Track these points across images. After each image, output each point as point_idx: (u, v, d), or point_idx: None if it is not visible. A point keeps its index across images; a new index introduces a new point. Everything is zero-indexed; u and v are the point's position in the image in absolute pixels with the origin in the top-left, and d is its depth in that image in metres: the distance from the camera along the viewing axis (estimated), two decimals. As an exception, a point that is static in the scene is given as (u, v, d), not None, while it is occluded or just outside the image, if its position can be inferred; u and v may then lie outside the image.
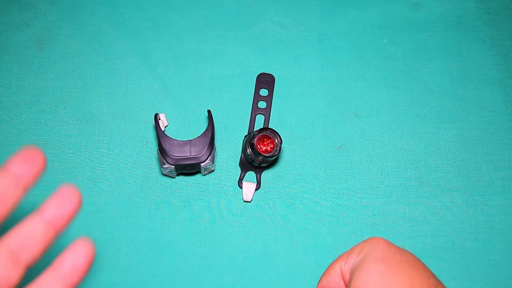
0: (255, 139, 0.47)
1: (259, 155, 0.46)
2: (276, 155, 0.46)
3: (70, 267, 0.25)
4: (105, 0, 0.61)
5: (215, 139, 0.50)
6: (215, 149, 0.49)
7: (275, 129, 0.47)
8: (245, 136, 0.51)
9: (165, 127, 0.53)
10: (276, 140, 0.47)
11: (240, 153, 0.52)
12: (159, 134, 0.47)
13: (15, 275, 0.23)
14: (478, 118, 0.55)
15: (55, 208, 0.24)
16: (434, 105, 0.56)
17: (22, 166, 0.24)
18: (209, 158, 0.47)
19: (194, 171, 0.50)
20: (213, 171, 0.51)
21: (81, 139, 0.52)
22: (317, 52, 0.59)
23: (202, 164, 0.47)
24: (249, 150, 0.47)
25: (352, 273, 0.32)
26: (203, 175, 0.51)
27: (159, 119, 0.50)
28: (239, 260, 0.47)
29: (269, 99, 0.55)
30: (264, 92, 0.55)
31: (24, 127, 0.52)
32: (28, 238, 0.24)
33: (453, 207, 0.50)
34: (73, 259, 0.25)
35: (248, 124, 0.53)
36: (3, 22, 0.59)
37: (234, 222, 0.49)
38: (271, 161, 0.49)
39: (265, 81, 0.56)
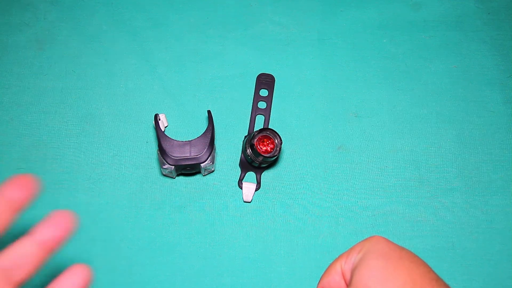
0: (255, 140, 0.46)
1: (259, 156, 0.46)
2: (276, 155, 0.46)
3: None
4: (105, 0, 0.61)
5: (215, 139, 0.50)
6: (215, 150, 0.49)
7: (275, 130, 0.47)
8: (245, 137, 0.51)
9: (165, 127, 0.53)
10: (276, 141, 0.47)
11: (240, 154, 0.52)
12: (159, 134, 0.47)
13: None
14: (478, 119, 0.55)
15: (46, 231, 0.25)
16: (434, 105, 0.56)
17: (14, 191, 0.25)
18: (209, 158, 0.47)
19: (194, 171, 0.50)
20: (213, 171, 0.51)
21: (81, 139, 0.52)
22: (317, 52, 0.58)
23: (202, 165, 0.47)
24: (249, 151, 0.47)
25: (353, 271, 0.32)
26: (203, 176, 0.51)
27: (159, 119, 0.50)
28: (239, 260, 0.47)
29: (269, 99, 0.55)
30: (264, 92, 0.55)
31: (24, 128, 0.52)
32: (20, 258, 0.25)
33: (453, 207, 0.50)
34: (69, 282, 0.26)
35: (248, 124, 0.53)
36: (3, 23, 0.59)
37: (234, 222, 0.49)
38: (271, 162, 0.49)
39: (265, 81, 0.56)
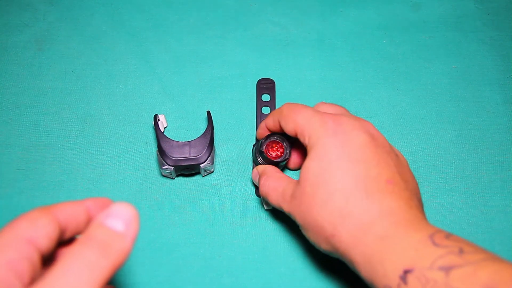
0: (264, 147, 0.46)
1: (270, 162, 0.46)
2: (287, 158, 0.46)
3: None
4: (105, 0, 0.61)
5: (214, 140, 0.50)
6: (214, 150, 0.49)
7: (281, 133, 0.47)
8: (253, 146, 0.50)
9: (165, 128, 0.53)
10: (285, 144, 0.46)
11: (242, 156, 0.51)
12: (159, 135, 0.47)
13: None
14: (478, 119, 0.55)
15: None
16: (433, 105, 0.56)
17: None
18: (208, 159, 0.47)
19: (194, 172, 0.50)
20: (212, 172, 0.51)
21: (80, 140, 0.52)
22: (316, 52, 0.58)
23: (201, 165, 0.47)
24: (260, 159, 0.47)
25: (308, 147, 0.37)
26: (203, 176, 0.51)
27: (159, 120, 0.50)
28: (239, 260, 0.47)
29: (272, 103, 0.54)
30: (266, 97, 0.55)
31: (24, 128, 0.52)
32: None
33: (452, 208, 0.50)
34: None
35: (255, 129, 0.53)
36: (2, 23, 0.59)
37: (234, 223, 0.49)
38: (283, 166, 0.48)
39: (266, 86, 0.55)
